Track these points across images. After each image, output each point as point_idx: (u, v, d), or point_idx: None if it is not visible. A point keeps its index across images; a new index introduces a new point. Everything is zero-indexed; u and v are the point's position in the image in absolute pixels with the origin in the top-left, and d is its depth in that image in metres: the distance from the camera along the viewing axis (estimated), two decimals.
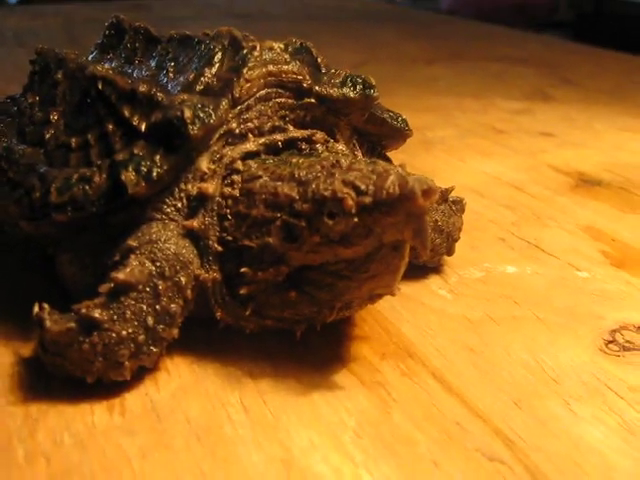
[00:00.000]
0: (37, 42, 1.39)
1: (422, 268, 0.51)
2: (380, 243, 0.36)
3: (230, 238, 0.40)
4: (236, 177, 0.40)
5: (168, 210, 0.41)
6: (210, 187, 0.40)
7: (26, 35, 1.47)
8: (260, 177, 0.39)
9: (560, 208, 0.64)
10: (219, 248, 0.40)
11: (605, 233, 0.59)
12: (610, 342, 0.44)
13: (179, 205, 0.41)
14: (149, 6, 1.83)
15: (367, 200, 0.35)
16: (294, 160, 0.40)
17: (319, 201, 0.36)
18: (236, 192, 0.40)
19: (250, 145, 0.41)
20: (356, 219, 0.36)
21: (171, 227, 0.40)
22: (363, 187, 0.36)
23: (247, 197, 0.39)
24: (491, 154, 0.79)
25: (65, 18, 1.66)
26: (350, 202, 0.36)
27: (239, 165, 0.40)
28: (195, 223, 0.40)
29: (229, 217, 0.40)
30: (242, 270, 0.39)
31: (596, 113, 0.96)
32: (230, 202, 0.40)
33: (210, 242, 0.40)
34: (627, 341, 0.44)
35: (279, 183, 0.38)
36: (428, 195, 0.34)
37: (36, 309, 0.39)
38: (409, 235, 0.36)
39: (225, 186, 0.40)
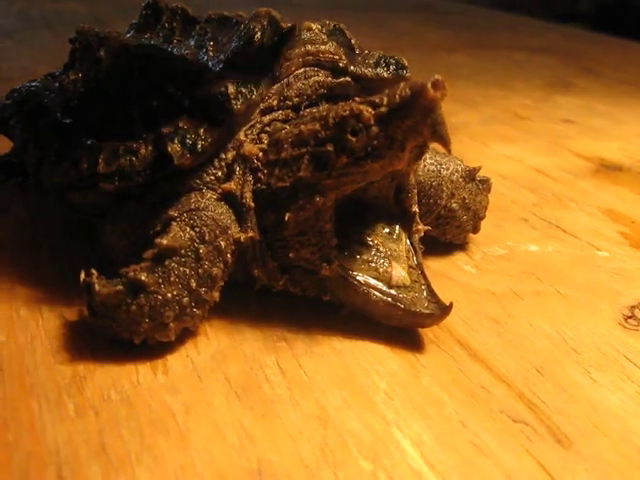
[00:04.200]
0: (63, 25, 1.41)
1: (448, 245, 0.53)
2: (403, 151, 0.38)
3: (264, 187, 0.42)
4: (264, 135, 0.43)
5: (208, 179, 0.43)
6: (245, 148, 0.42)
7: (52, 18, 1.49)
8: (284, 127, 0.42)
9: (581, 191, 0.66)
10: (252, 204, 0.42)
11: (625, 215, 0.61)
12: (629, 317, 0.45)
13: (219, 174, 0.43)
14: None
15: (383, 109, 0.38)
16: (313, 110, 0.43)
17: (340, 122, 0.39)
18: (264, 145, 0.42)
19: (278, 114, 0.44)
20: (376, 128, 0.38)
21: (209, 195, 0.42)
22: (377, 100, 0.38)
23: (275, 145, 0.42)
24: (514, 139, 0.80)
25: (91, 1, 1.67)
26: (367, 114, 0.38)
27: (267, 127, 0.43)
28: (232, 184, 0.42)
29: (261, 168, 0.42)
30: (286, 218, 0.40)
31: (617, 102, 0.97)
32: (261, 155, 0.42)
33: (246, 200, 0.42)
34: None
35: (302, 124, 0.41)
36: (438, 86, 0.36)
37: (84, 275, 0.41)
38: (428, 133, 0.37)
39: (255, 144, 0.43)
